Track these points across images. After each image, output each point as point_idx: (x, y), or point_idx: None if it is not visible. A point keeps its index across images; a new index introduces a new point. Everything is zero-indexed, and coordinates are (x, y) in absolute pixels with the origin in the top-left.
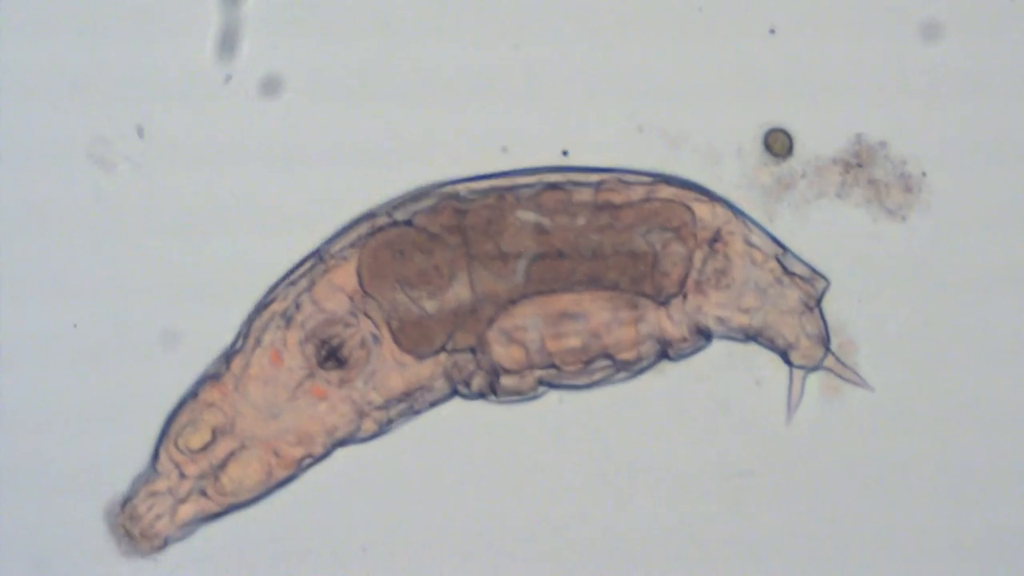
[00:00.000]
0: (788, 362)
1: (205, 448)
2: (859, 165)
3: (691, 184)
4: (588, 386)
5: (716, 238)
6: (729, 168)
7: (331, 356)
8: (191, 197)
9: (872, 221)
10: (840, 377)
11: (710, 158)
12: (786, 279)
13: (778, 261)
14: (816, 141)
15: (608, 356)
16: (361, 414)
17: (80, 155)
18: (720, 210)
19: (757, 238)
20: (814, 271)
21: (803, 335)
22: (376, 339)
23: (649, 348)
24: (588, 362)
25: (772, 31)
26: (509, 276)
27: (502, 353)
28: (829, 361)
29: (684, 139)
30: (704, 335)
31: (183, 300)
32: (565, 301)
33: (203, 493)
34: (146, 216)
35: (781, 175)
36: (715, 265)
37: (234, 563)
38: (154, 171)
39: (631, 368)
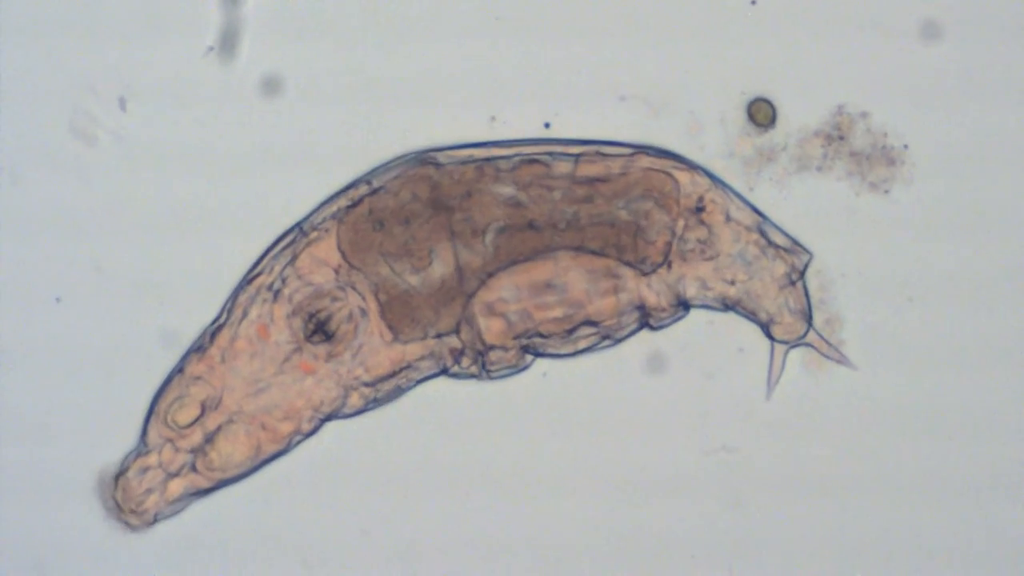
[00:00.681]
0: (770, 336)
1: (194, 423)
2: (840, 138)
3: (670, 154)
4: (572, 354)
5: (700, 206)
6: (711, 138)
7: (318, 330)
8: (175, 173)
9: (855, 195)
10: (822, 354)
11: (692, 128)
12: (770, 251)
13: (760, 232)
14: (797, 112)
15: (591, 323)
16: (347, 389)
17: (62, 127)
18: (700, 179)
19: (738, 208)
20: (796, 243)
21: (786, 309)
22: (364, 312)
23: (630, 317)
24: (571, 330)
25: (753, 2)
26: (479, 247)
27: (485, 327)
28: (811, 337)
29: (666, 108)
30: (683, 305)
31: (169, 277)
32: (543, 271)
33: (193, 468)
34: (129, 193)
35: (762, 147)
36: (698, 234)
37: (224, 544)
38: (136, 145)
39: (614, 335)
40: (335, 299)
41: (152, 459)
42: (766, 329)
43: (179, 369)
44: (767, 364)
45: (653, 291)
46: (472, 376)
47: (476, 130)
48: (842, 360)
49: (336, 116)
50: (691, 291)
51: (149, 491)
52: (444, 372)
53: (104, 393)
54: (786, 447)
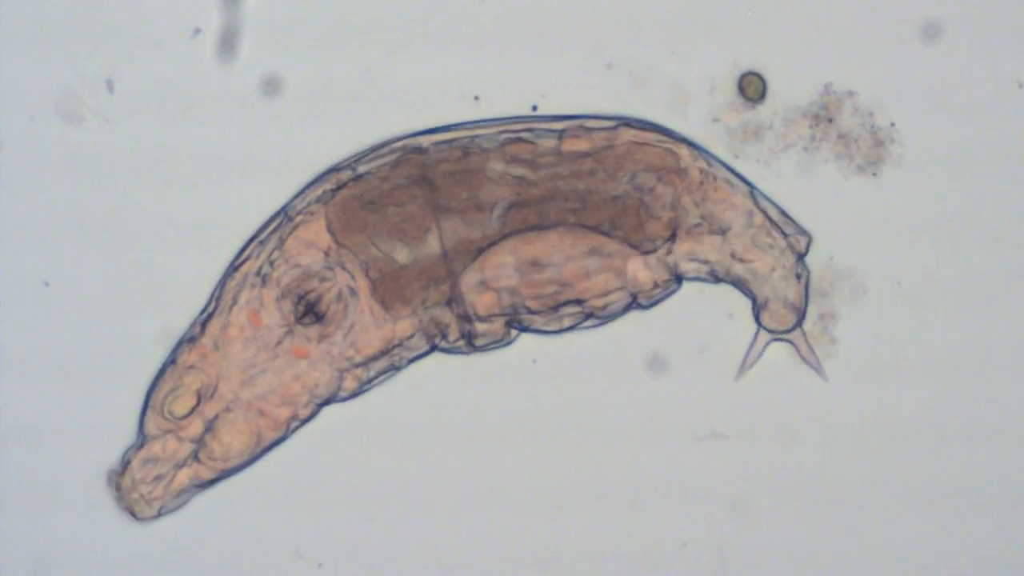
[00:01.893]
0: (758, 320)
1: (191, 413)
2: (829, 120)
3: (655, 126)
4: (557, 332)
5: (703, 180)
6: (697, 108)
7: (308, 311)
8: (161, 151)
9: (843, 178)
10: (800, 355)
11: (679, 100)
12: (776, 232)
13: (753, 200)
14: (784, 89)
15: (578, 302)
16: (341, 372)
17: (49, 109)
18: (696, 154)
19: (734, 183)
20: (792, 221)
21: (782, 299)
22: (353, 292)
23: (620, 296)
24: (557, 307)
25: None
26: (484, 222)
27: (476, 301)
28: (796, 336)
29: (652, 80)
30: (677, 279)
31: (155, 257)
32: (540, 247)
33: (196, 459)
34: (117, 170)
35: (748, 123)
36: (704, 209)
37: (233, 528)
38: (124, 125)
39: (600, 315)
40: (323, 279)
41: (157, 448)
42: (757, 310)
43: (171, 360)
44: (747, 346)
45: (649, 269)
46: (460, 351)
47: (463, 110)
48: (817, 369)
49: (331, 113)
50: (690, 265)
51: (158, 479)
52: (434, 348)
53: (98, 395)
54: (775, 443)
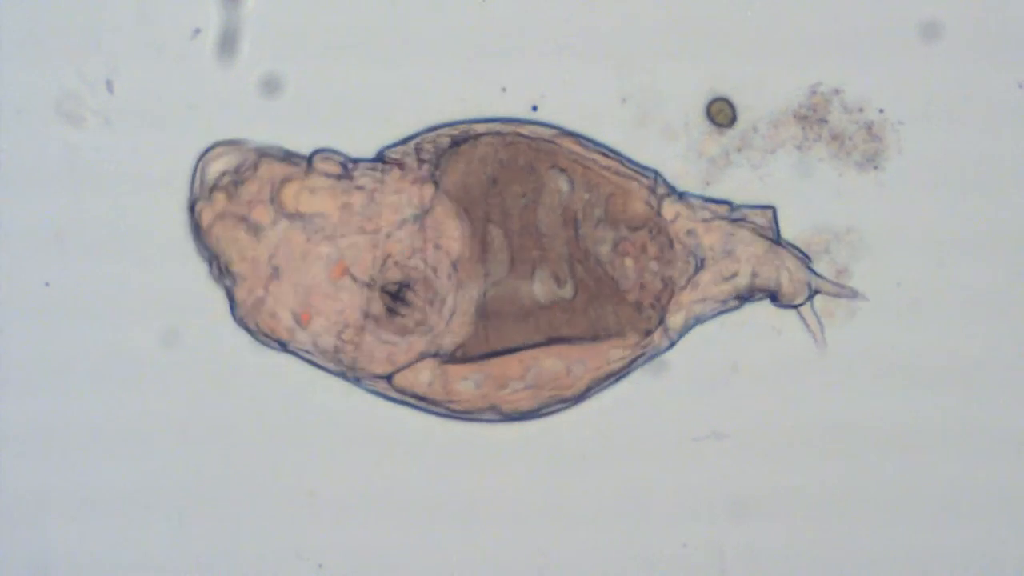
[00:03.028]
0: (785, 305)
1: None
2: (821, 120)
3: (620, 155)
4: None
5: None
6: (678, 137)
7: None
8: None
9: (838, 175)
10: (833, 295)
11: (663, 128)
12: (739, 226)
13: (720, 215)
14: (767, 95)
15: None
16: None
17: (50, 110)
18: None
19: (698, 207)
20: (752, 206)
21: (783, 271)
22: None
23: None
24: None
25: None
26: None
27: (449, 388)
28: (817, 283)
29: (631, 97)
30: (697, 321)
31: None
32: (516, 369)
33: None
34: (117, 171)
35: (727, 146)
36: (677, 257)
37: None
38: (124, 126)
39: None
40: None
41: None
42: (778, 301)
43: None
44: (804, 327)
45: (626, 349)
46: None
47: (462, 111)
48: (852, 295)
49: (331, 113)
50: (701, 307)
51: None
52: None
53: (98, 396)
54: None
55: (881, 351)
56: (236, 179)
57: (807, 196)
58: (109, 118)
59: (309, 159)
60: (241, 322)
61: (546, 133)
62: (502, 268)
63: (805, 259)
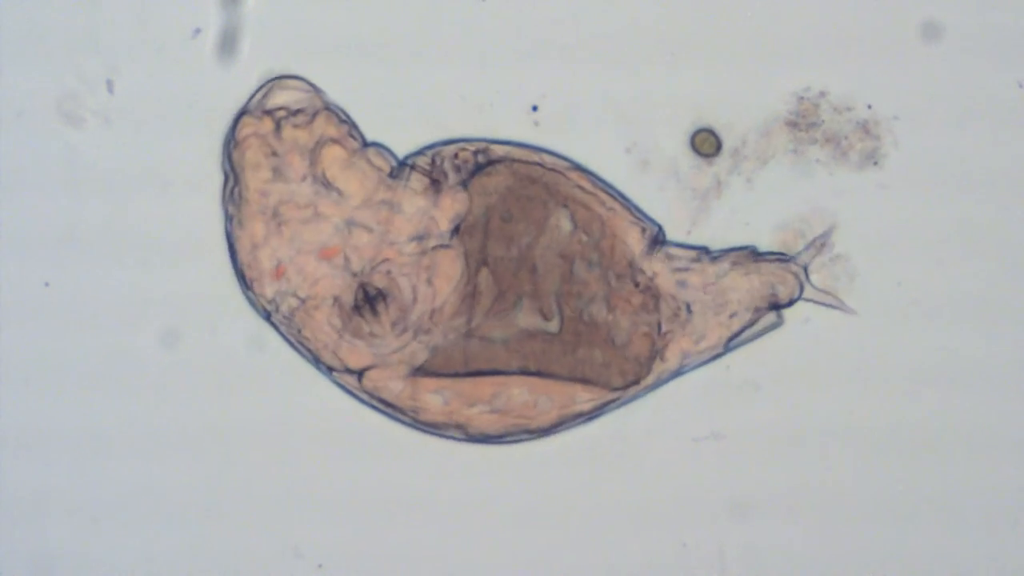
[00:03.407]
0: (787, 306)
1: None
2: (812, 124)
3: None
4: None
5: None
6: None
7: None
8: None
9: (829, 175)
10: (822, 303)
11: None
12: (719, 260)
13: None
14: (752, 107)
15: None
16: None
17: (50, 110)
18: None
19: (674, 259)
20: (734, 249)
21: (777, 285)
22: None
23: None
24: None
25: None
26: (508, 314)
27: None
28: (807, 293)
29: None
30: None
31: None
32: (489, 388)
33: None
34: (117, 171)
35: (718, 173)
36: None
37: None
38: (124, 126)
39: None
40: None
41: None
42: (781, 308)
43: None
44: (824, 305)
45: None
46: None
47: (464, 112)
48: (839, 304)
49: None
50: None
51: None
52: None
53: (97, 398)
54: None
55: (881, 351)
56: (291, 118)
57: (807, 197)
58: (109, 118)
59: (365, 143)
60: (228, 238)
61: (559, 164)
62: (482, 314)
63: (784, 258)
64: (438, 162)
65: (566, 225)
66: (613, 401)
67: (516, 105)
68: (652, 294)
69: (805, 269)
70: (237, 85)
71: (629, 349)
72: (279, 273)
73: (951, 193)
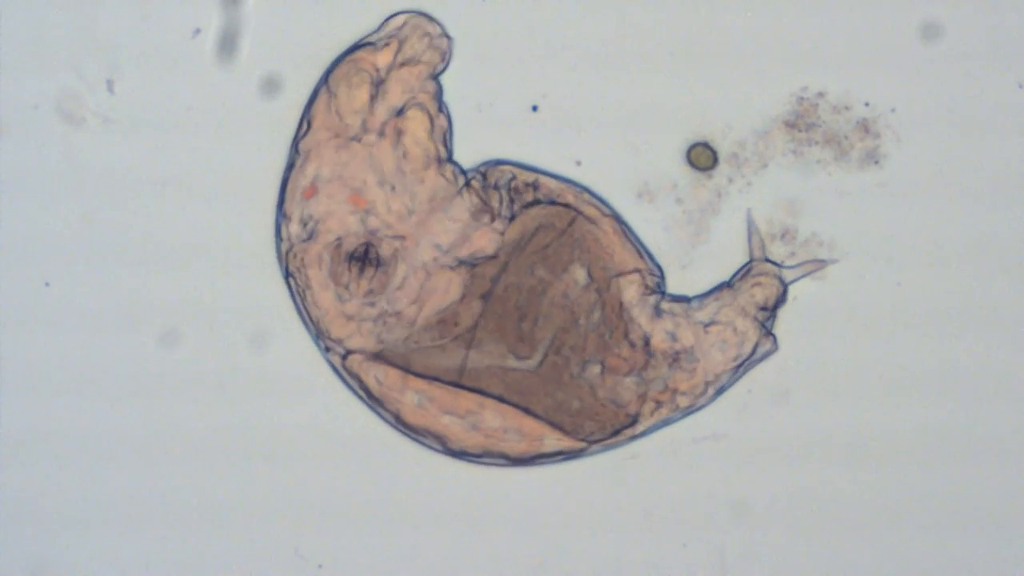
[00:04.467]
0: (783, 298)
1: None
2: (811, 125)
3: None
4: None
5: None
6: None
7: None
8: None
9: (827, 174)
10: (804, 274)
11: (645, 197)
12: (705, 300)
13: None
14: (748, 110)
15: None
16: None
17: (50, 110)
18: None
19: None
20: (711, 291)
21: (754, 292)
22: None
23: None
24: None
25: None
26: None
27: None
28: (787, 274)
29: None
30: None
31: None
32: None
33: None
34: (117, 171)
35: (717, 186)
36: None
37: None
38: (124, 126)
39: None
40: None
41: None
42: (776, 305)
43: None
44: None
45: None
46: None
47: (466, 113)
48: (819, 265)
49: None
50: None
51: None
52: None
53: (97, 400)
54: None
55: (881, 352)
56: (408, 62)
57: (807, 198)
58: (109, 118)
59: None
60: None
61: (595, 210)
62: (458, 349)
63: (748, 267)
64: (492, 181)
65: (581, 280)
66: (582, 451)
67: (516, 105)
68: (647, 352)
69: (781, 278)
70: (237, 85)
71: (639, 407)
72: (310, 193)
73: (951, 194)
